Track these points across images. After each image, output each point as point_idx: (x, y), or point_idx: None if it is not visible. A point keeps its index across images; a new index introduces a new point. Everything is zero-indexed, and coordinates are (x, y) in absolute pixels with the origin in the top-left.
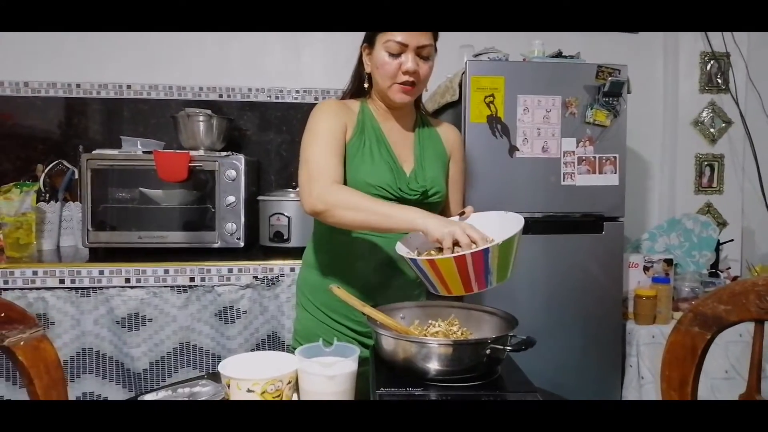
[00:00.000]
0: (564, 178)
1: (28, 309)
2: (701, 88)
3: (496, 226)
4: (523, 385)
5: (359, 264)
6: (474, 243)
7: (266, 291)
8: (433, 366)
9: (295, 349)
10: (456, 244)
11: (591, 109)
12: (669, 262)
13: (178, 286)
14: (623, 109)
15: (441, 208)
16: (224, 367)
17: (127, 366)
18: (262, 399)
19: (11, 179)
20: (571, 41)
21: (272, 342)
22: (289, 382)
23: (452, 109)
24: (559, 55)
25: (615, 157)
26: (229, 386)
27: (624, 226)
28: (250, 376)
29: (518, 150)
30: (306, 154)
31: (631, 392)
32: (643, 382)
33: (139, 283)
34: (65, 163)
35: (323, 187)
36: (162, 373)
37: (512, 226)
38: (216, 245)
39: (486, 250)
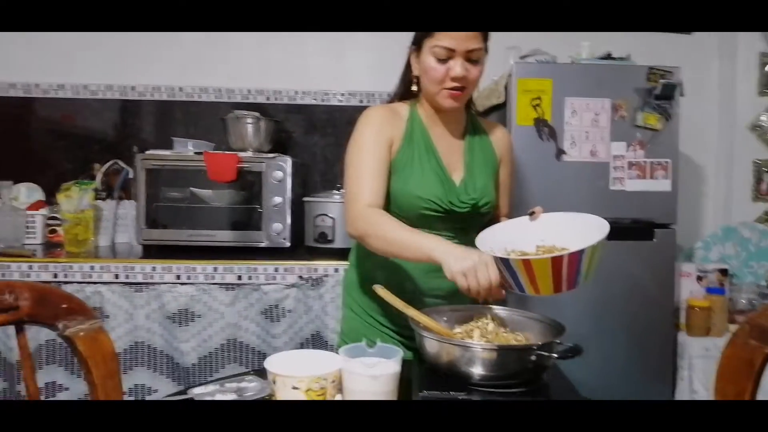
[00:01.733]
0: (613, 182)
1: (85, 302)
2: (760, 90)
3: (571, 228)
4: (568, 393)
5: (402, 270)
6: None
7: (311, 291)
8: (477, 370)
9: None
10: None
11: (642, 112)
12: (724, 272)
13: (226, 284)
14: (676, 112)
15: (491, 216)
16: (270, 364)
17: (176, 360)
18: (307, 397)
19: (71, 178)
20: (620, 42)
21: (316, 341)
22: (333, 381)
23: (498, 112)
24: (608, 56)
25: (667, 162)
26: (275, 382)
27: (676, 233)
28: (296, 373)
29: (565, 153)
30: (348, 171)
31: None
32: (696, 396)
33: (189, 280)
34: (121, 162)
35: (357, 212)
36: (210, 368)
37: (591, 228)
38: (263, 244)
39: (581, 252)
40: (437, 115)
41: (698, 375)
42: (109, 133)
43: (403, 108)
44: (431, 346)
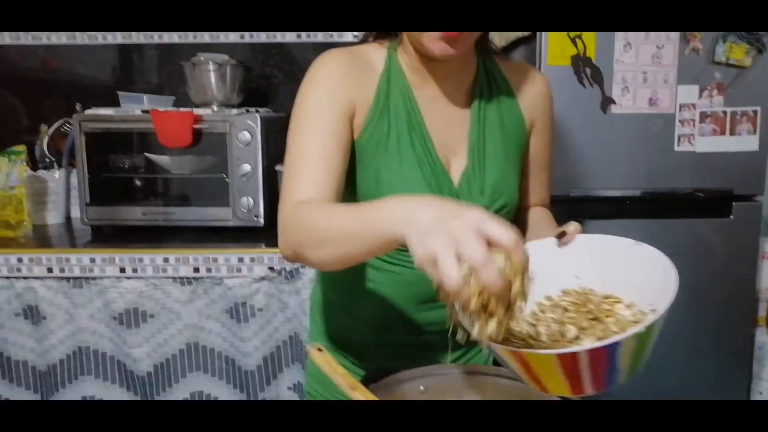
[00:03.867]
0: (679, 141)
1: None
2: None
3: (624, 263)
4: None
5: (371, 302)
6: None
7: (285, 285)
8: None
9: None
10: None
11: (724, 42)
12: None
13: (180, 278)
14: None
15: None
16: None
17: (129, 367)
18: None
19: (14, 142)
20: None
21: (294, 345)
22: None
23: (524, 46)
24: None
25: (755, 112)
26: None
27: (762, 207)
28: None
29: (614, 103)
30: (286, 156)
31: None
32: None
33: (136, 274)
34: (71, 122)
35: (284, 218)
36: (170, 376)
37: (655, 271)
38: (230, 223)
39: (614, 346)
40: (427, 66)
41: None
42: (62, 86)
43: (376, 54)
44: None
